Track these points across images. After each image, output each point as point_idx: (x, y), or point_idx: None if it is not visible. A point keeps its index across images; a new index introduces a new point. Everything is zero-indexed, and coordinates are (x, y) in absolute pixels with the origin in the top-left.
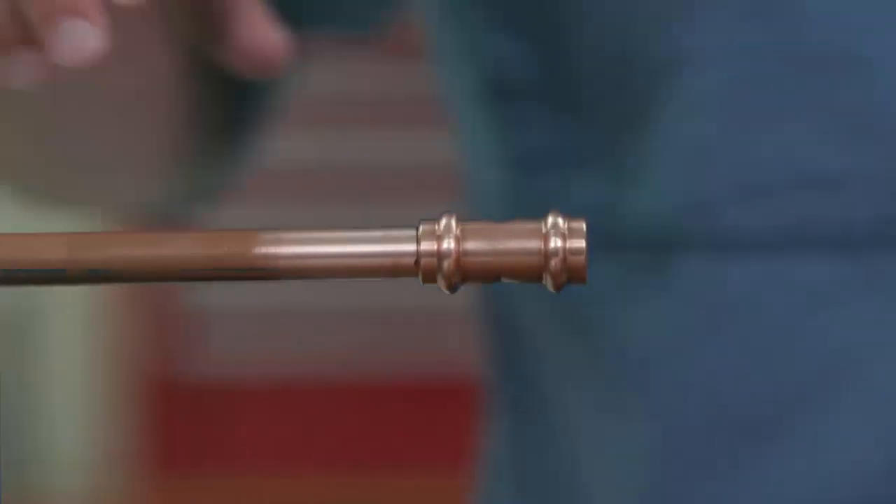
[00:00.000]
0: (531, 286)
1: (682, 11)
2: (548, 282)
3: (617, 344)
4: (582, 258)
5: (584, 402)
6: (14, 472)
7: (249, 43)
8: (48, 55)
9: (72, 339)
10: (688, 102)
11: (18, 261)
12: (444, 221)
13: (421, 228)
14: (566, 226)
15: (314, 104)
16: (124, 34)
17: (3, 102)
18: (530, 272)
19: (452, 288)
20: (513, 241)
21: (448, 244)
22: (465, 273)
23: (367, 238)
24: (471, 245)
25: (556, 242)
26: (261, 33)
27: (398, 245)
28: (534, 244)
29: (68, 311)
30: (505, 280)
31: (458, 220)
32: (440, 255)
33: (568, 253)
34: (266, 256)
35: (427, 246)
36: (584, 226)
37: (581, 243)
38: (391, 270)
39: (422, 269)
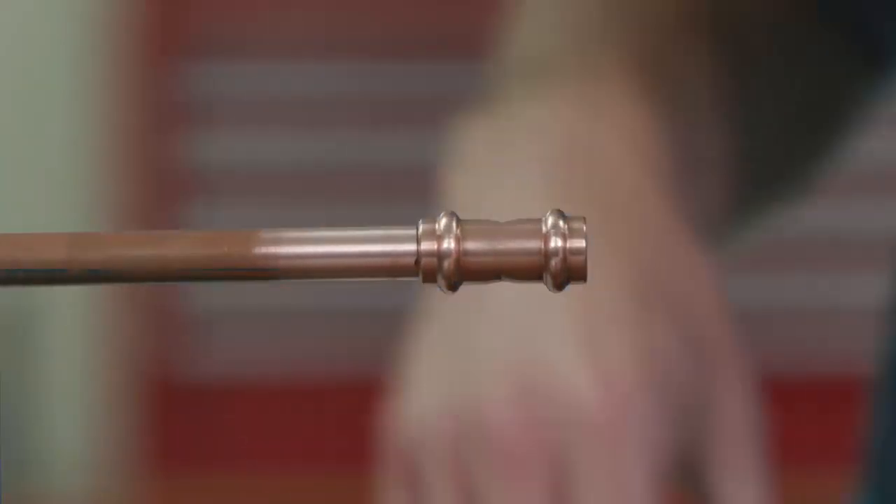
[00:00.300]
0: None
1: None
2: (548, 282)
3: None
4: (582, 258)
5: None
6: (14, 472)
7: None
8: None
9: (72, 339)
10: None
11: (18, 261)
12: (444, 221)
13: (421, 228)
14: (566, 226)
15: (314, 104)
16: None
17: None
18: (530, 272)
19: (452, 288)
20: (513, 241)
21: (448, 244)
22: (465, 273)
23: (366, 238)
24: (471, 245)
25: (556, 242)
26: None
27: (398, 245)
28: (534, 244)
29: (68, 312)
30: (505, 280)
31: (457, 220)
32: (440, 255)
33: (568, 253)
34: (266, 256)
35: (427, 246)
36: (584, 226)
37: (581, 243)
38: (391, 270)
39: (422, 269)
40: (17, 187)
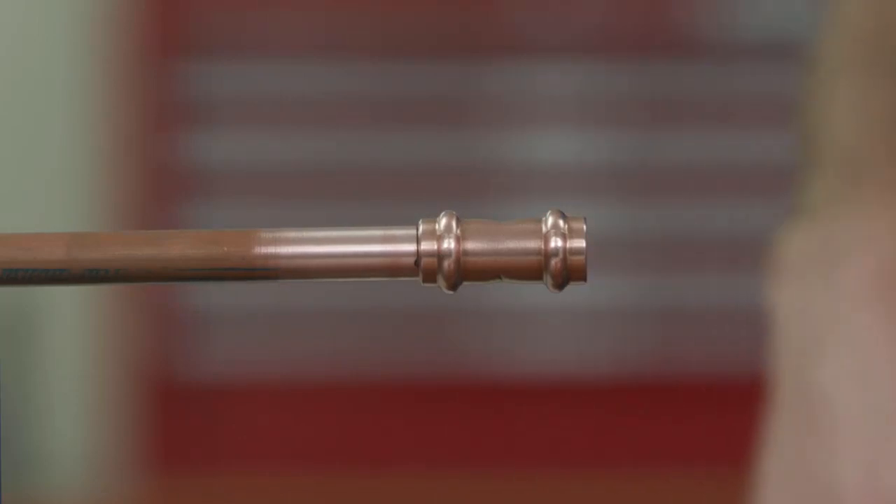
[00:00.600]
0: None
1: None
2: (548, 282)
3: None
4: (582, 258)
5: None
6: (14, 472)
7: None
8: None
9: (72, 339)
10: None
11: (18, 261)
12: (444, 221)
13: (421, 228)
14: (566, 226)
15: (314, 104)
16: None
17: None
18: (530, 272)
19: (453, 288)
20: (513, 241)
21: (448, 244)
22: (465, 273)
23: (366, 238)
24: (471, 245)
25: (556, 242)
26: None
27: (398, 245)
28: (534, 244)
29: (68, 312)
30: (505, 280)
31: (457, 220)
32: (440, 255)
33: (568, 253)
34: (266, 256)
35: (427, 246)
36: (583, 226)
37: (581, 243)
38: (391, 270)
39: (422, 269)
40: (16, 187)
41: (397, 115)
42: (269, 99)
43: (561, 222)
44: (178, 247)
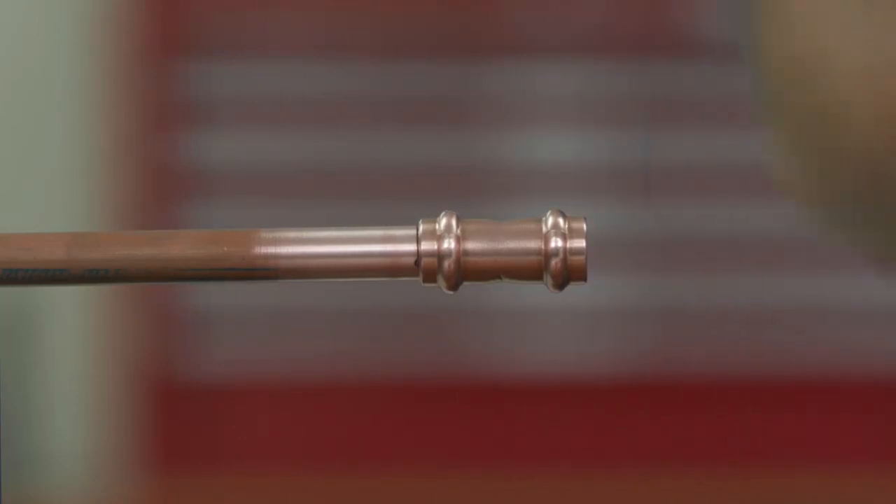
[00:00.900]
0: None
1: None
2: (548, 282)
3: None
4: (582, 258)
5: None
6: (14, 472)
7: None
8: None
9: (72, 339)
10: None
11: (18, 261)
12: (444, 221)
13: (421, 228)
14: (566, 226)
15: (314, 104)
16: None
17: None
18: (531, 272)
19: (453, 288)
20: (513, 241)
21: (448, 244)
22: (465, 273)
23: (366, 238)
24: (471, 245)
25: (556, 242)
26: None
27: (398, 245)
28: (534, 244)
29: (68, 312)
30: (505, 280)
31: (457, 220)
32: (440, 255)
33: (568, 253)
34: (266, 256)
35: (427, 246)
36: (584, 225)
37: (581, 243)
38: (391, 270)
39: (422, 269)
40: (16, 187)
41: (397, 115)
42: (269, 99)
43: (561, 222)
44: (178, 247)
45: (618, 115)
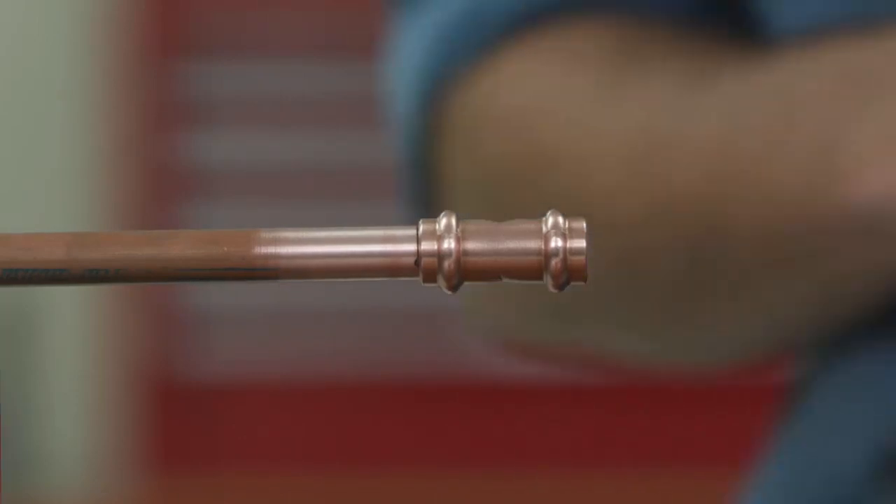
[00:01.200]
0: None
1: None
2: (548, 282)
3: None
4: (582, 258)
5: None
6: (14, 472)
7: None
8: None
9: (72, 339)
10: None
11: (18, 261)
12: (444, 221)
13: (421, 228)
14: (567, 226)
15: (314, 104)
16: None
17: None
18: (531, 272)
19: (453, 288)
20: (513, 241)
21: (448, 244)
22: (465, 273)
23: (366, 238)
24: (471, 245)
25: (556, 242)
26: None
27: (398, 245)
28: (534, 244)
29: (68, 312)
30: (505, 280)
31: (458, 220)
32: (441, 255)
33: (568, 253)
34: (266, 256)
35: (427, 246)
36: (584, 225)
37: (581, 243)
38: (391, 270)
39: (422, 270)
40: (16, 187)
41: None
42: (269, 99)
43: (561, 222)
44: (178, 247)
45: None
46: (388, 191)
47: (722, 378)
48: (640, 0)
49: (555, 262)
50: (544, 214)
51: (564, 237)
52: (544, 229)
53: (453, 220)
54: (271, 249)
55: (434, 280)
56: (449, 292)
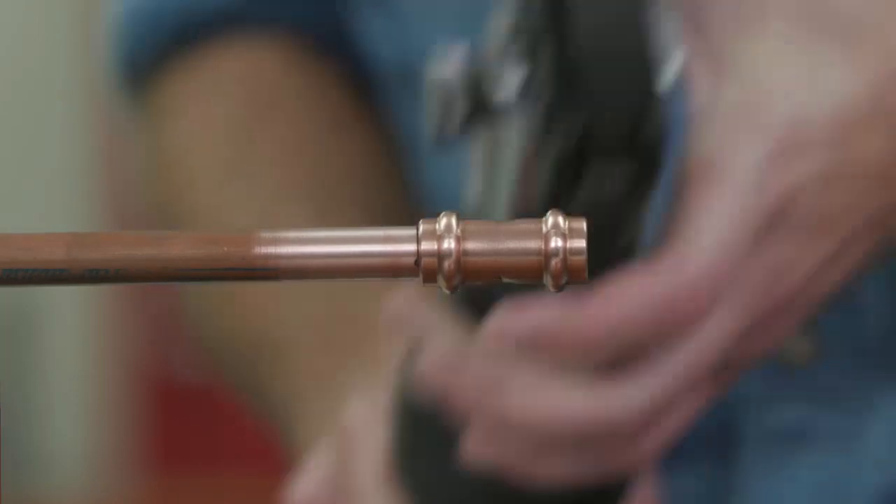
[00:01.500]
0: None
1: None
2: (548, 282)
3: None
4: (582, 258)
5: None
6: (14, 472)
7: None
8: None
9: (72, 339)
10: None
11: (18, 261)
12: (444, 221)
13: (421, 228)
14: (566, 226)
15: None
16: None
17: None
18: (531, 272)
19: (453, 288)
20: (513, 241)
21: (449, 244)
22: (465, 273)
23: (367, 238)
24: (471, 245)
25: (556, 242)
26: None
27: (398, 245)
28: (534, 244)
29: (68, 312)
30: (505, 280)
31: (458, 220)
32: (441, 255)
33: (568, 253)
34: (266, 256)
35: (427, 246)
36: (584, 225)
37: (581, 243)
38: (391, 270)
39: (422, 270)
40: (16, 187)
41: None
42: None
43: (561, 222)
44: (178, 247)
45: None
46: None
47: None
48: (287, 18)
49: (555, 262)
50: (545, 215)
51: (564, 237)
52: (544, 229)
53: (453, 220)
54: (271, 249)
55: (434, 280)
56: (449, 292)
